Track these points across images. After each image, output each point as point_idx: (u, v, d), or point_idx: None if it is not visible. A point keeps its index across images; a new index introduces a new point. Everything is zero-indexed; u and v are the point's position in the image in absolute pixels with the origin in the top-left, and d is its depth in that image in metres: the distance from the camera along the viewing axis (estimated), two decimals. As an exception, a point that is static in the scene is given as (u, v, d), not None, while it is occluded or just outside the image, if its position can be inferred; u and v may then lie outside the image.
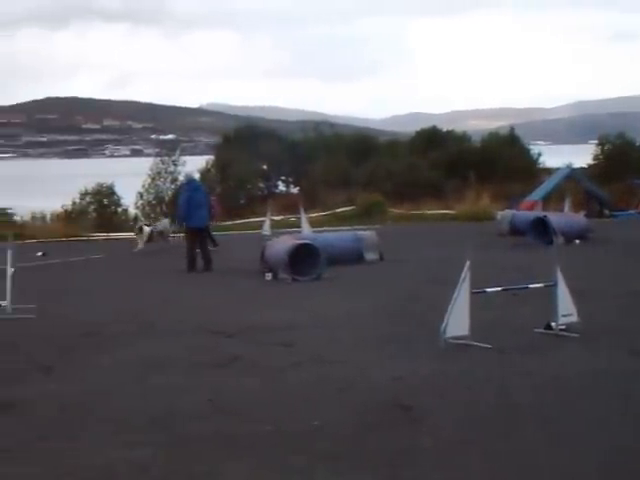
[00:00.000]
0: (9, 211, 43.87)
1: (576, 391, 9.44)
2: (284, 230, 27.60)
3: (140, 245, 26.89)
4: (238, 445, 7.88)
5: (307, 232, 25.24)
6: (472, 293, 11.65)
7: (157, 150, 52.06)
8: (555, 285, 12.26)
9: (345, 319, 14.17)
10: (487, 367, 10.61)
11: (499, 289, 12.95)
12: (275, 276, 19.36)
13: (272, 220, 30.85)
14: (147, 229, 27.21)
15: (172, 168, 46.65)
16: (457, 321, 11.58)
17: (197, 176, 48.97)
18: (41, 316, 15.02)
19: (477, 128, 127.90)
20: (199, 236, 21.90)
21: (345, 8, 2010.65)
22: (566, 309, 12.28)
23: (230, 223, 37.75)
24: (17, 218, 41.12)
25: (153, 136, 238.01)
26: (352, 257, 21.56)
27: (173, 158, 46.91)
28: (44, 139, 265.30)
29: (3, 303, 15.49)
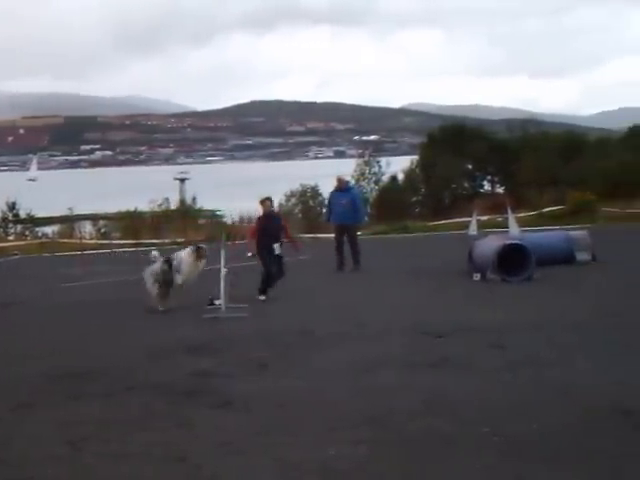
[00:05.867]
0: (219, 212, 45.36)
1: None
2: (490, 230, 27.21)
3: None
4: (454, 446, 7.78)
5: (515, 232, 24.79)
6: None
7: (360, 151, 52.66)
8: None
9: (558, 321, 13.84)
10: None
11: None
12: (483, 276, 19.12)
13: (478, 220, 30.46)
14: None
15: (376, 169, 47.09)
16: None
17: (400, 176, 49.53)
18: (254, 315, 15.37)
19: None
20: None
21: (554, 3, 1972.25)
22: None
23: (435, 223, 37.64)
24: (226, 219, 42.44)
25: (356, 137, 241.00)
26: (562, 258, 21.02)
27: (365, 159, 47.34)
28: (250, 142, 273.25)
29: (217, 302, 15.95)
